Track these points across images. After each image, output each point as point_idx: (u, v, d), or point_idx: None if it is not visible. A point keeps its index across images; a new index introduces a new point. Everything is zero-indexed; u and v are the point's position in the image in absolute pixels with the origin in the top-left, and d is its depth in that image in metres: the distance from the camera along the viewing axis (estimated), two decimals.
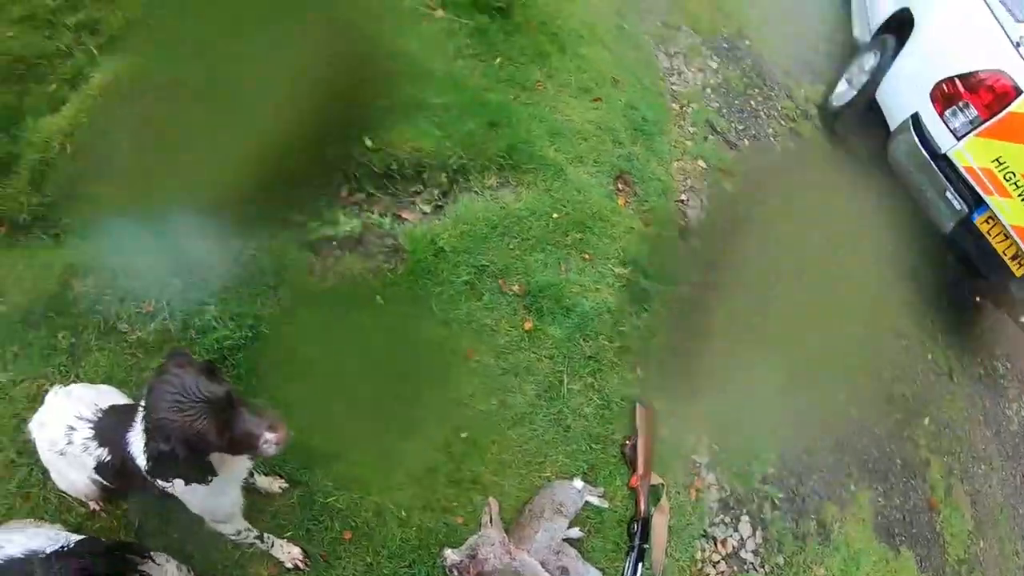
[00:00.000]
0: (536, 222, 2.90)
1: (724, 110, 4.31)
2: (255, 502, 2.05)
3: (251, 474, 1.97)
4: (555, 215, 2.95)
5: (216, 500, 1.67)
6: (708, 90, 4.37)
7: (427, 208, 2.83)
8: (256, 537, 1.90)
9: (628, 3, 4.62)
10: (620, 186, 3.39)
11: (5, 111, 2.42)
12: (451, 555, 2.03)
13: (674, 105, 4.16)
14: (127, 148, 2.37)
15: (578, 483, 2.40)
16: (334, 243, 2.53)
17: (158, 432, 1.36)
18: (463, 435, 2.34)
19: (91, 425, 1.61)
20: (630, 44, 4.30)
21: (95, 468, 1.61)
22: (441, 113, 2.96)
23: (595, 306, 2.76)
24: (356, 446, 2.19)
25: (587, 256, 2.92)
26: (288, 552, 2.03)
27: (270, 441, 1.43)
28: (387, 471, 2.20)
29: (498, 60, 3.50)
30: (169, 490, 1.55)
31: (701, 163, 3.89)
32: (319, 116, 2.46)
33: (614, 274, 2.90)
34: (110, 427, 1.59)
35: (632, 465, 2.51)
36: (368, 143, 2.70)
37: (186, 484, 1.47)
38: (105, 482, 1.65)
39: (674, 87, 4.29)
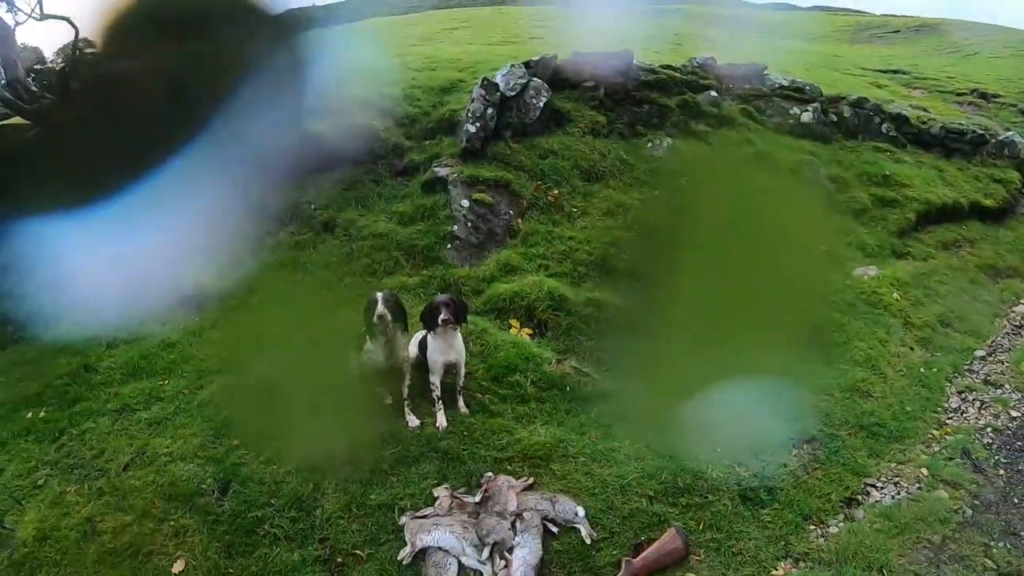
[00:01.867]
0: None
1: (995, 445, 4.49)
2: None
3: (459, 393, 4.13)
4: None
5: (435, 356, 3.95)
6: (988, 429, 4.64)
7: None
8: (438, 396, 4.00)
9: (955, 361, 5.49)
10: (804, 446, 4.47)
11: None
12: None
13: (934, 431, 4.72)
14: None
15: (580, 509, 3.51)
16: None
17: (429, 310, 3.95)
18: None
19: None
20: (920, 382, 5.18)
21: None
22: None
23: None
24: None
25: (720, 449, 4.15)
26: (440, 419, 3.98)
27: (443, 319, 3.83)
28: None
29: None
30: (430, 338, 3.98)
31: (925, 471, 4.35)
32: None
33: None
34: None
35: (637, 550, 3.39)
36: None
37: (427, 329, 3.96)
38: None
39: (948, 421, 4.84)
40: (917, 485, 4.18)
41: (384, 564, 3.23)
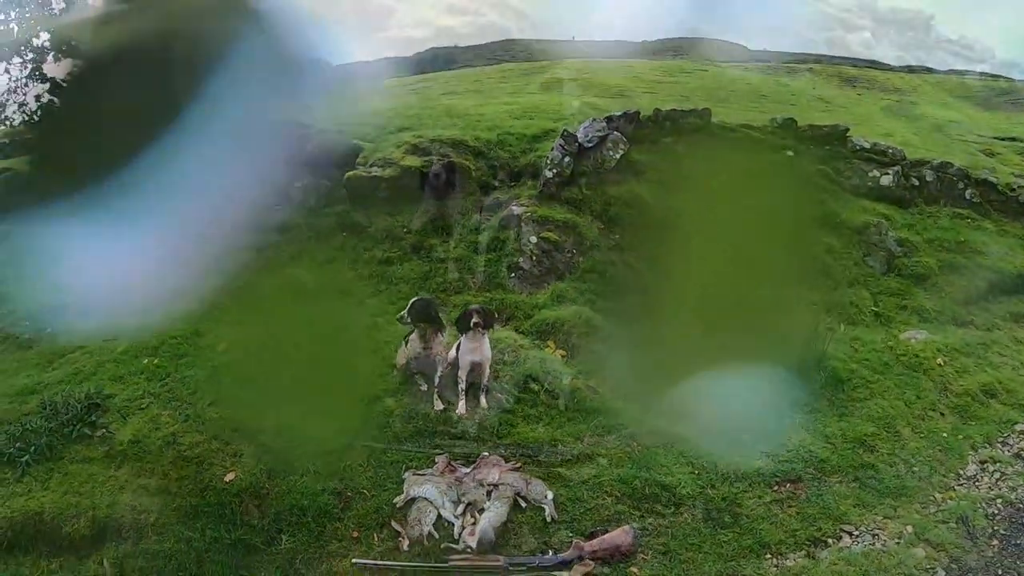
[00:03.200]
0: None
1: (999, 516, 4.38)
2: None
3: (482, 390, 4.82)
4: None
5: (464, 354, 4.69)
6: (999, 500, 4.53)
7: None
8: (463, 389, 4.72)
9: (988, 431, 5.27)
10: (787, 485, 4.62)
11: None
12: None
13: (937, 495, 4.64)
14: None
15: (550, 493, 4.07)
16: None
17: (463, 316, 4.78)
18: None
19: None
20: (939, 446, 5.07)
21: None
22: None
23: None
24: None
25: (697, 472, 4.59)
26: (461, 407, 4.70)
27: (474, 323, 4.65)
28: None
29: None
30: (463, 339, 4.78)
31: (910, 528, 4.33)
32: None
33: None
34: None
35: (590, 537, 3.88)
36: None
37: (460, 332, 4.79)
38: None
39: (956, 487, 4.71)
40: (896, 540, 4.22)
41: (381, 504, 4.06)
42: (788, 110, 11.45)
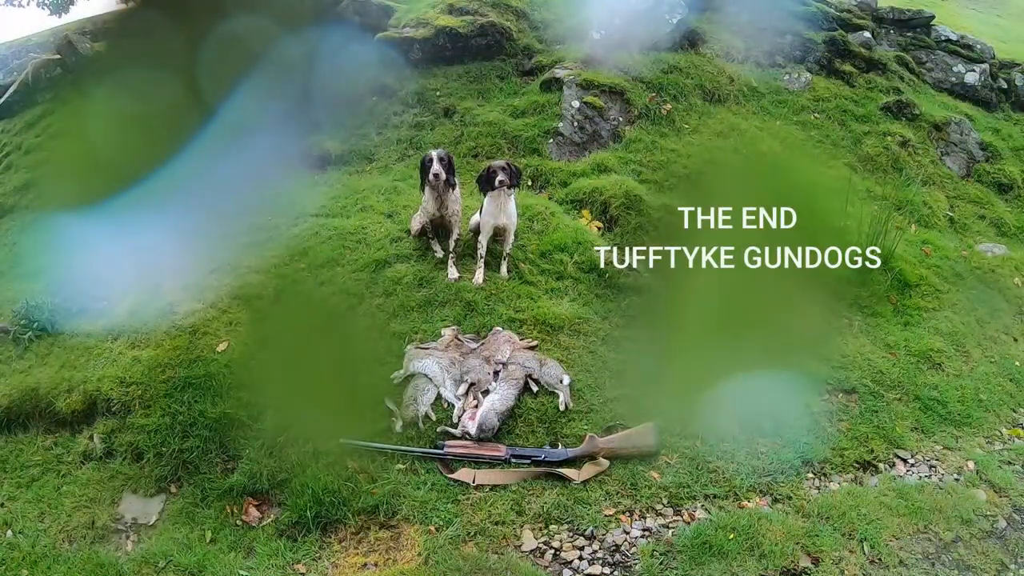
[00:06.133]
0: None
1: None
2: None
3: (504, 258, 3.79)
4: None
5: (487, 217, 3.65)
6: None
7: None
8: (481, 255, 3.72)
9: None
10: (839, 395, 3.56)
11: None
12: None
13: (1003, 430, 3.61)
14: None
15: (567, 378, 3.15)
16: None
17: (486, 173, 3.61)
18: None
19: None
20: (1010, 375, 3.94)
21: None
22: None
23: None
24: None
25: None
26: (478, 276, 3.70)
27: (500, 181, 3.52)
28: None
29: None
30: (485, 200, 3.67)
31: (971, 464, 3.29)
32: None
33: None
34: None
35: (607, 432, 3.02)
36: None
37: (482, 191, 3.65)
38: None
39: None
40: (955, 476, 3.24)
41: (378, 379, 3.16)
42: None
